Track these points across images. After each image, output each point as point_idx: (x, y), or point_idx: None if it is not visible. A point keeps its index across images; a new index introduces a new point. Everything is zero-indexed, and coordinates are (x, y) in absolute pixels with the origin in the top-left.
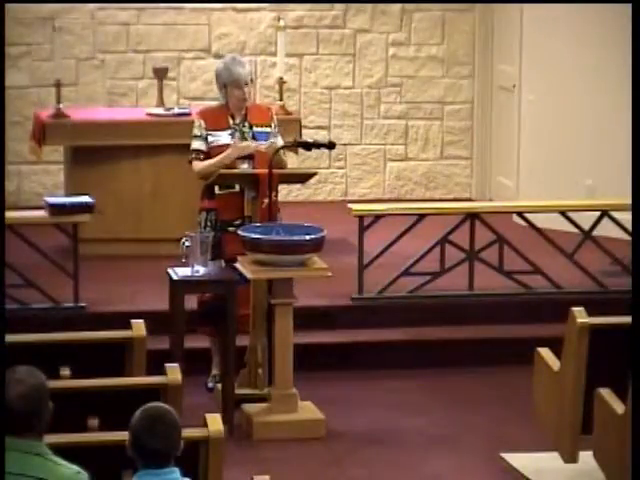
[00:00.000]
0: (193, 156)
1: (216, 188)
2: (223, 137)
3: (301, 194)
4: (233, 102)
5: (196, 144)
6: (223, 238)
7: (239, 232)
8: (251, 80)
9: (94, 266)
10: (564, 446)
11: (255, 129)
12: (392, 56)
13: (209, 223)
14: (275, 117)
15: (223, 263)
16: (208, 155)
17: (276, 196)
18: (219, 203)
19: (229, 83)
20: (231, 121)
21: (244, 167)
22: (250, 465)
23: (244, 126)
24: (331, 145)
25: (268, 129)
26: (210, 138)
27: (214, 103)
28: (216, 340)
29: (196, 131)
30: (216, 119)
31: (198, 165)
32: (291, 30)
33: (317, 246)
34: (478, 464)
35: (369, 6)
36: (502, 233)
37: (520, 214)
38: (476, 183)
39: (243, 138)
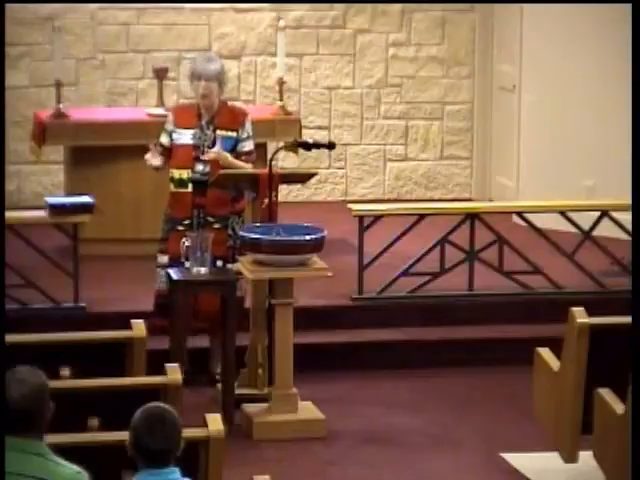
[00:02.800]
0: (158, 150)
1: (171, 185)
2: (185, 136)
3: (301, 194)
4: (198, 98)
5: (162, 138)
6: (170, 235)
7: (239, 232)
8: (219, 81)
9: (94, 266)
10: (564, 446)
11: (218, 132)
12: (392, 56)
13: (166, 217)
14: (248, 123)
15: (166, 258)
16: (169, 150)
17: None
18: (171, 200)
19: (192, 76)
20: (198, 121)
21: (200, 168)
22: (250, 465)
23: (208, 128)
24: (331, 145)
25: (232, 134)
26: (175, 135)
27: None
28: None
29: (166, 125)
30: (185, 116)
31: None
32: (291, 30)
33: (317, 246)
34: (478, 464)
35: (369, 6)
36: (502, 233)
37: (520, 214)
38: (476, 183)
39: (203, 140)
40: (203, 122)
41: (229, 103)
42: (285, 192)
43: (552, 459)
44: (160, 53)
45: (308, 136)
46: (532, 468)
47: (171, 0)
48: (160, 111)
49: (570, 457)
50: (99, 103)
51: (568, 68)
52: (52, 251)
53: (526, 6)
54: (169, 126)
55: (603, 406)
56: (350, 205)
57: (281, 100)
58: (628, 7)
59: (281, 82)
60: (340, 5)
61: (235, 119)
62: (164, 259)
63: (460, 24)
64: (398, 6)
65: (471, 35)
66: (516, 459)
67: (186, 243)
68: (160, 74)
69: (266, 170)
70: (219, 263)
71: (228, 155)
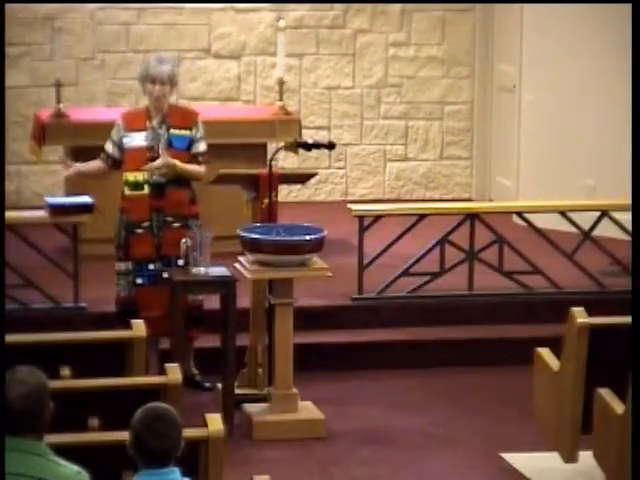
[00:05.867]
0: (101, 155)
1: (125, 189)
2: (137, 139)
3: (301, 194)
4: (149, 100)
5: (106, 144)
6: (130, 239)
7: (239, 232)
8: (172, 83)
9: (94, 266)
10: (564, 446)
11: (172, 131)
12: (392, 56)
13: (122, 224)
14: (200, 123)
15: (130, 265)
16: (114, 159)
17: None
18: (127, 204)
19: (144, 78)
20: (149, 123)
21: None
22: (250, 465)
23: (160, 128)
24: (331, 145)
25: (187, 132)
26: (125, 139)
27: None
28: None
29: (112, 132)
30: (135, 120)
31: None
32: (291, 30)
33: (317, 246)
34: (478, 464)
35: (369, 6)
36: (502, 233)
37: (520, 214)
38: (476, 183)
39: (157, 140)
40: (155, 122)
41: (178, 103)
42: (285, 192)
43: (552, 459)
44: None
45: (308, 136)
46: (532, 468)
47: (171, 0)
48: None
49: (570, 457)
50: (99, 103)
51: (568, 68)
52: (52, 251)
53: (526, 6)
54: (116, 133)
55: (603, 406)
56: (350, 205)
57: (281, 100)
58: (628, 7)
59: (281, 82)
60: (340, 5)
61: (188, 118)
62: (123, 266)
63: (460, 24)
64: (398, 6)
65: (471, 35)
66: (516, 459)
67: (187, 243)
68: None
69: (266, 170)
70: (180, 262)
71: (177, 162)
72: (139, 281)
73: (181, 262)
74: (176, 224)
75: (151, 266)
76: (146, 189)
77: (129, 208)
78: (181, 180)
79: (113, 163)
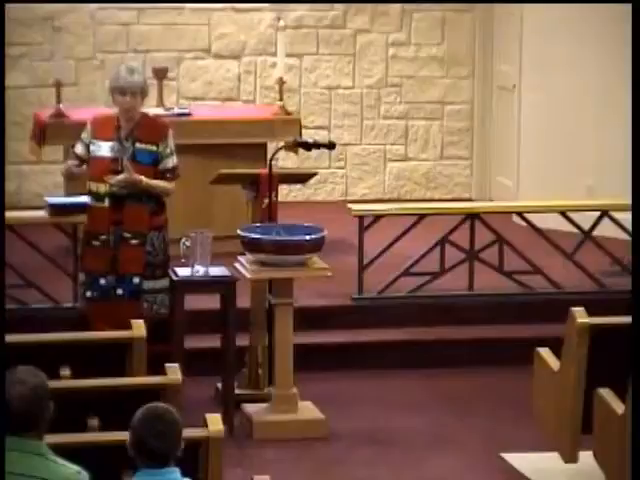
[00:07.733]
0: (70, 156)
1: (89, 199)
2: (103, 148)
3: (301, 194)
4: (120, 111)
5: (76, 146)
6: (85, 250)
7: (239, 232)
8: (143, 93)
9: None
10: (564, 446)
11: (138, 145)
12: (392, 56)
13: (84, 232)
14: (170, 137)
15: (83, 276)
16: (83, 160)
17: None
18: (87, 214)
19: (113, 89)
20: (117, 133)
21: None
22: (250, 465)
23: (127, 141)
24: (331, 145)
25: (153, 148)
26: (92, 147)
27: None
28: None
29: (82, 134)
30: (104, 127)
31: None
32: (291, 30)
33: (317, 246)
34: (478, 464)
35: (369, 6)
36: (502, 233)
37: (520, 214)
38: (476, 183)
39: (122, 153)
40: (122, 134)
41: (150, 114)
42: (285, 192)
43: (552, 459)
44: (160, 53)
45: (308, 136)
46: (532, 468)
47: (171, 0)
48: (160, 111)
49: (570, 457)
50: (99, 103)
51: (568, 68)
52: (52, 251)
53: (526, 6)
54: (86, 136)
55: (603, 406)
56: (350, 205)
57: (281, 100)
58: (628, 7)
59: (281, 82)
60: (340, 5)
61: (156, 133)
62: (81, 276)
63: (460, 24)
64: (398, 6)
65: (471, 35)
66: (516, 459)
67: (186, 243)
68: (160, 74)
69: (266, 170)
70: (136, 280)
71: (142, 178)
72: (88, 294)
73: (137, 280)
74: (134, 241)
75: (102, 280)
76: (106, 202)
77: (90, 218)
78: (142, 194)
79: (80, 163)
